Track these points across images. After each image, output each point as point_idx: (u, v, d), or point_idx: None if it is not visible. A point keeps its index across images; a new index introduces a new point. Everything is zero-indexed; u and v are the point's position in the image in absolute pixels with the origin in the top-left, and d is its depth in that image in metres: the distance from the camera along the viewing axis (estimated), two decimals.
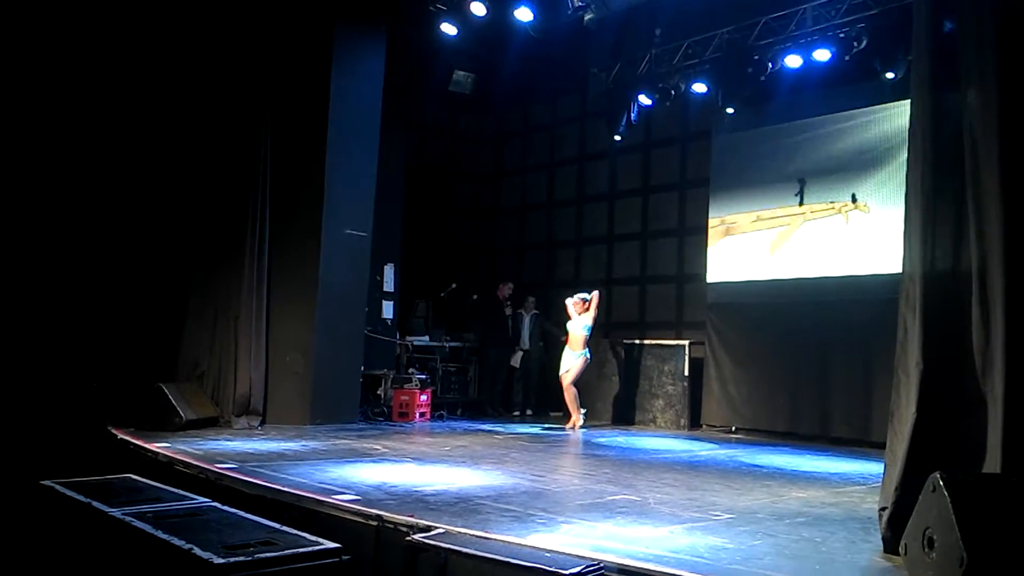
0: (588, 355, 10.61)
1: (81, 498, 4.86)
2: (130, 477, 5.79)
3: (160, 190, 9.86)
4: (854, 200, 9.87)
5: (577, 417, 10.48)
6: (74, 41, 9.46)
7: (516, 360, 12.46)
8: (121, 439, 7.90)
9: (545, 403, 12.58)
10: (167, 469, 6.67)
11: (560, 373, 10.68)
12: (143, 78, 9.72)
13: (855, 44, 9.18)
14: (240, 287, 9.53)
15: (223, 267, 9.73)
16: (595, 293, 10.67)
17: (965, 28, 4.50)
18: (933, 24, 4.70)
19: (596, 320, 10.63)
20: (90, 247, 9.63)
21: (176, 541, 3.90)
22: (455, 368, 12.41)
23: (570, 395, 10.55)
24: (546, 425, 10.86)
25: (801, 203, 10.39)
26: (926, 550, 3.70)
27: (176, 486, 5.61)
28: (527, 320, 12.52)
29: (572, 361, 10.57)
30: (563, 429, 10.44)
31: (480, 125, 14.70)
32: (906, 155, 4.79)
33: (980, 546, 3.46)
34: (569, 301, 10.72)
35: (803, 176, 10.38)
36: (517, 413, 12.41)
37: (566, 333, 10.76)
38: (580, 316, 10.55)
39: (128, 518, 4.36)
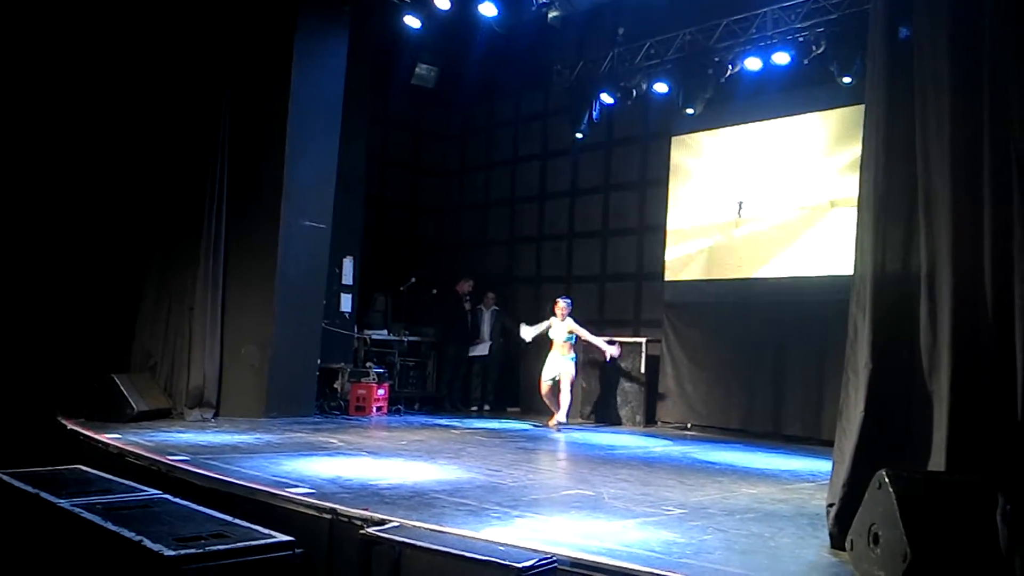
0: (575, 359, 10.42)
1: (29, 489, 4.78)
2: (80, 468, 5.71)
3: (115, 176, 9.69)
4: (807, 201, 10.02)
5: (555, 417, 10.26)
6: (26, 22, 9.27)
7: (479, 351, 12.43)
8: (71, 429, 7.79)
9: (503, 399, 12.61)
10: (118, 460, 6.59)
11: (547, 377, 10.34)
12: (95, 60, 9.53)
13: (814, 48, 9.31)
14: (196, 277, 9.41)
15: (179, 256, 9.61)
16: (579, 330, 10.38)
17: (920, 35, 4.59)
18: (889, 30, 4.79)
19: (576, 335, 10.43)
20: (41, 233, 9.44)
21: (126, 533, 3.85)
22: (413, 363, 12.36)
23: (565, 396, 10.26)
24: (535, 423, 10.67)
25: (756, 205, 10.51)
26: (871, 546, 3.78)
27: (127, 478, 5.54)
28: (487, 316, 12.52)
29: (562, 365, 10.28)
30: (547, 426, 10.24)
31: (444, 119, 14.64)
32: (860, 158, 4.87)
33: (923, 542, 3.54)
34: (563, 302, 10.46)
35: (760, 178, 10.50)
36: (475, 408, 12.41)
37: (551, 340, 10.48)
38: (561, 323, 10.34)
39: (77, 509, 4.30)
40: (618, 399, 11.24)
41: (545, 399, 10.51)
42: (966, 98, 4.30)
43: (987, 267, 4.12)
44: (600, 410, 11.38)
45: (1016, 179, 4.07)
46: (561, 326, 10.40)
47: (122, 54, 9.60)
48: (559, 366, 10.34)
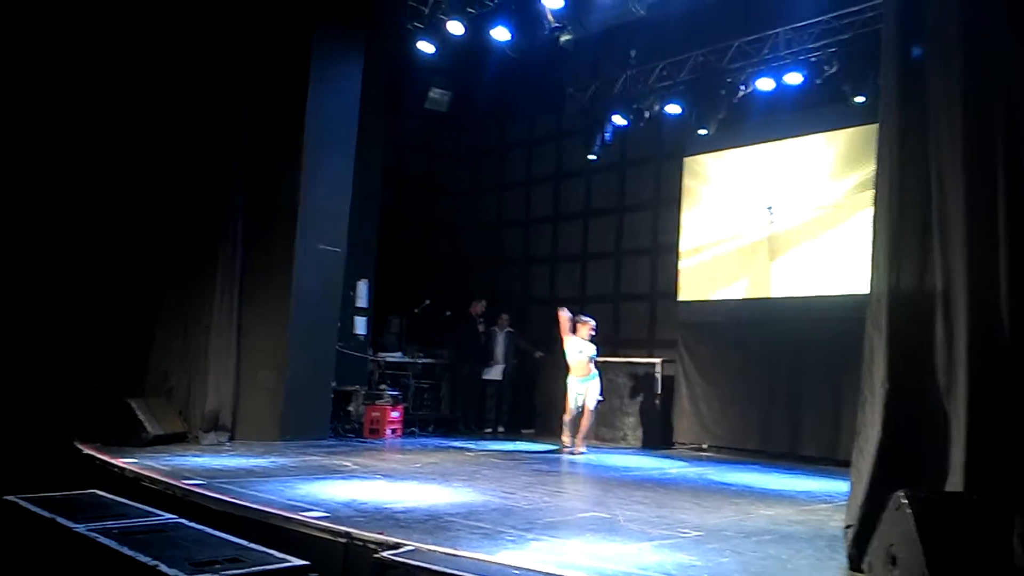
0: (600, 375, 10.03)
1: (45, 514, 4.80)
2: (95, 493, 5.73)
3: (131, 198, 9.75)
4: (822, 219, 9.99)
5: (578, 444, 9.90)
6: (45, 42, 9.40)
7: (493, 374, 12.42)
8: (87, 454, 7.80)
9: (518, 420, 12.58)
10: (133, 485, 6.59)
11: (574, 404, 9.84)
12: (114, 80, 9.62)
13: (826, 68, 9.33)
14: (212, 300, 9.44)
15: (195, 279, 9.64)
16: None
17: (932, 54, 4.60)
18: (902, 50, 4.80)
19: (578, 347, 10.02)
20: (56, 256, 9.50)
21: (142, 558, 3.86)
22: (428, 385, 12.36)
23: (586, 418, 9.86)
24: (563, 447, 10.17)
25: (771, 224, 10.49)
26: (889, 567, 3.75)
27: (142, 502, 5.56)
28: (501, 337, 12.51)
29: (590, 386, 9.86)
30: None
31: (457, 141, 14.70)
32: (873, 177, 4.87)
33: (942, 564, 3.51)
34: (592, 322, 9.97)
35: (773, 197, 10.49)
36: (489, 430, 12.37)
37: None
38: (587, 344, 9.88)
39: (93, 534, 4.32)
40: (633, 420, 11.20)
41: (569, 426, 10.02)
42: (978, 115, 4.30)
43: (1003, 284, 4.10)
44: (616, 431, 11.33)
45: None
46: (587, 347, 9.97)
47: (139, 78, 9.69)
48: (585, 388, 9.87)
